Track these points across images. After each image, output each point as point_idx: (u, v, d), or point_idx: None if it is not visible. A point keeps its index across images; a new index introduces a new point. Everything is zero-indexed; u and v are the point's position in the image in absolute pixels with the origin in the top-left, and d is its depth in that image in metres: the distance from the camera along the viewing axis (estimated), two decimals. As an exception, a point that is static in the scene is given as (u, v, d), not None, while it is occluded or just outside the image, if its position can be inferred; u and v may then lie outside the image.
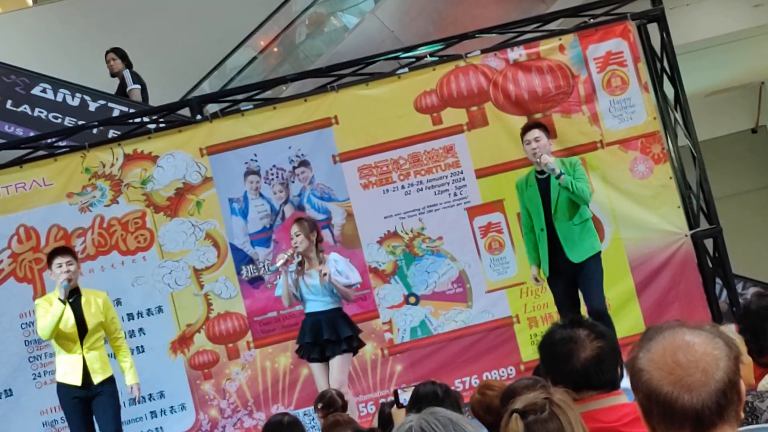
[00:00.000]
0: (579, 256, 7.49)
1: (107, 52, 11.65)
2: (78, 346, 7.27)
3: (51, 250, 7.76)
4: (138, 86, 11.42)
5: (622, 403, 3.27)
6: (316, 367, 7.68)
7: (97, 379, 7.29)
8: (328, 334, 7.57)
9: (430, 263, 8.91)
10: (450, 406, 4.38)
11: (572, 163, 7.60)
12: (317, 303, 7.64)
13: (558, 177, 7.37)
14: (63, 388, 7.34)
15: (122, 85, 11.49)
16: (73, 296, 7.27)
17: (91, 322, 7.29)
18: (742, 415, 2.08)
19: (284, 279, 7.59)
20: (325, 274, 7.50)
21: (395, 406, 4.80)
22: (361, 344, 7.96)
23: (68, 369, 7.28)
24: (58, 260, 7.29)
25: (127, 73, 11.47)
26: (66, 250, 7.53)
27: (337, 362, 7.59)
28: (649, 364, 2.07)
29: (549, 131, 7.82)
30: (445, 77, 8.95)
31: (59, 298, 7.21)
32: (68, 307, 7.20)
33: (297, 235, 7.62)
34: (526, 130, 7.69)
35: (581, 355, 3.28)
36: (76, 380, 7.26)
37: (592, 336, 3.30)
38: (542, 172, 7.51)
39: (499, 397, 4.44)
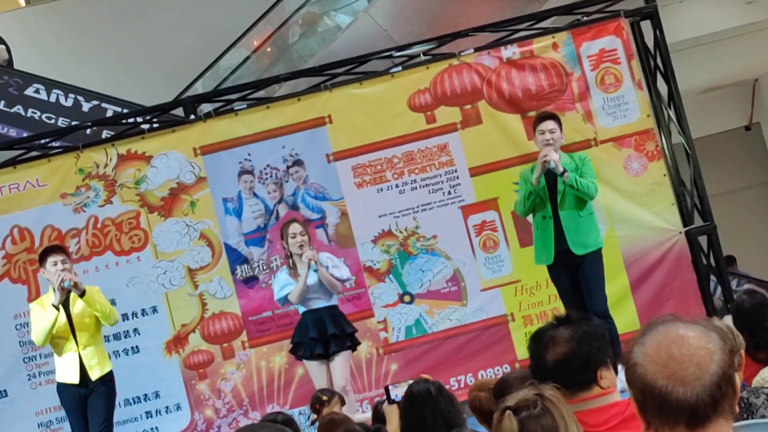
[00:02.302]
0: (582, 248, 7.51)
1: None
2: (73, 344, 7.23)
3: (44, 248, 7.72)
4: (2, 46, 11.27)
5: (612, 402, 3.24)
6: (316, 365, 7.65)
7: (95, 375, 7.24)
8: (334, 329, 7.59)
9: (424, 262, 8.91)
10: (444, 404, 4.38)
11: (581, 158, 7.65)
12: (317, 300, 7.66)
13: (561, 175, 7.39)
14: (62, 388, 7.30)
15: None
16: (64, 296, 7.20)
17: (79, 318, 7.22)
18: (737, 408, 2.08)
19: (305, 275, 7.56)
20: (310, 259, 7.52)
21: (387, 402, 4.79)
22: (358, 343, 8.02)
23: (65, 368, 7.25)
24: (52, 258, 7.24)
25: None
26: (60, 249, 7.48)
27: (340, 360, 7.63)
28: (644, 358, 2.08)
29: (561, 123, 7.80)
30: (439, 76, 8.95)
31: (53, 304, 7.15)
32: (52, 314, 7.16)
33: (303, 235, 7.67)
34: (541, 120, 7.70)
35: (547, 356, 3.27)
36: (74, 378, 7.22)
37: (565, 337, 3.28)
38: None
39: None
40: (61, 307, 7.17)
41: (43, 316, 7.17)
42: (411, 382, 4.71)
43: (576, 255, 7.49)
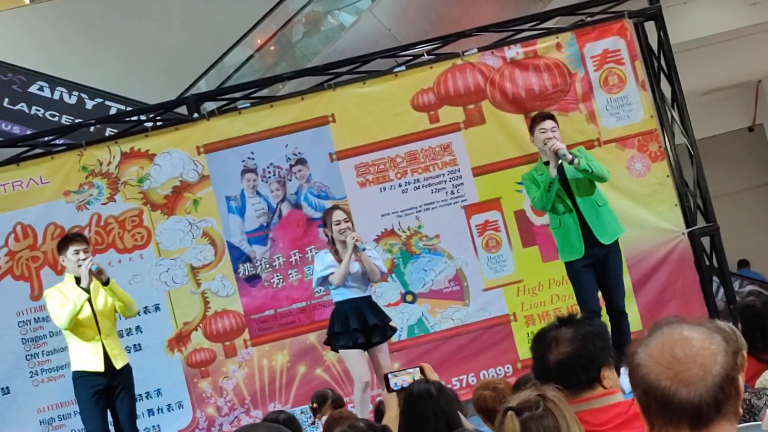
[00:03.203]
0: (608, 237, 7.40)
1: None
2: (96, 333, 7.17)
3: (65, 235, 7.70)
4: None
5: (614, 402, 3.24)
6: (356, 353, 7.47)
7: (119, 364, 7.22)
8: (375, 320, 7.50)
9: (427, 261, 8.91)
10: (444, 404, 4.38)
11: (580, 150, 7.53)
12: (356, 289, 7.53)
13: (571, 162, 7.23)
14: (82, 377, 7.19)
15: None
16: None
17: (102, 306, 7.20)
18: (741, 410, 2.08)
19: (348, 256, 7.43)
20: (357, 240, 7.43)
21: (386, 390, 4.80)
22: (396, 330, 7.90)
23: (89, 356, 7.16)
24: (74, 246, 7.19)
25: None
26: (82, 237, 7.45)
27: (385, 349, 7.57)
28: (647, 359, 2.08)
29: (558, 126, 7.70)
30: (442, 75, 8.95)
31: (81, 287, 7.10)
32: (83, 295, 7.10)
33: (346, 221, 7.54)
34: (542, 119, 7.53)
35: (550, 356, 3.27)
36: (99, 366, 7.14)
37: (568, 337, 3.29)
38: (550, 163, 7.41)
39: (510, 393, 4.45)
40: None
41: (68, 299, 7.09)
42: (410, 370, 4.72)
43: (603, 245, 7.37)
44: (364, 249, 7.51)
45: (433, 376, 4.68)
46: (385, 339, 7.55)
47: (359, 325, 7.45)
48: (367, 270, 7.51)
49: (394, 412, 4.72)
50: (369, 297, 7.65)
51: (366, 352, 7.54)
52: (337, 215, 7.58)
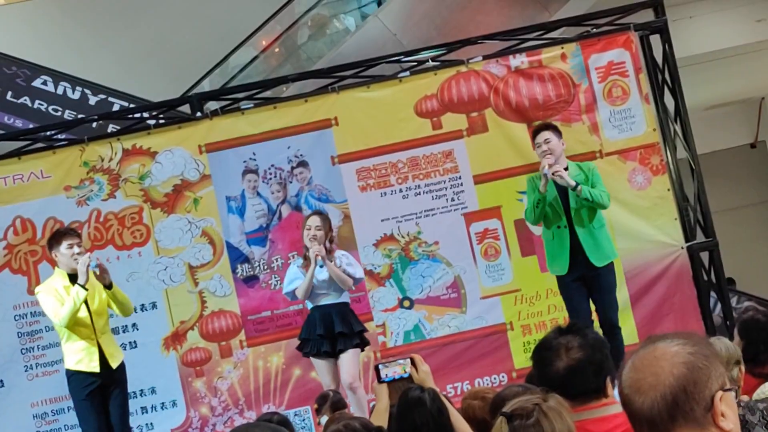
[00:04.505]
0: (601, 260, 7.46)
1: None
2: (92, 332, 7.10)
3: (58, 230, 7.64)
4: None
5: (615, 413, 3.24)
6: (322, 363, 7.52)
7: (114, 363, 7.16)
8: (341, 327, 7.45)
9: (425, 268, 8.90)
10: (437, 413, 4.36)
11: (589, 168, 7.57)
12: (326, 296, 7.52)
13: (575, 189, 7.31)
14: (76, 376, 7.10)
15: None
16: (76, 280, 7.05)
17: (98, 304, 7.13)
18: (727, 425, 2.08)
19: (311, 271, 7.43)
20: (317, 254, 7.37)
21: (377, 381, 4.78)
22: (367, 342, 7.89)
23: (83, 356, 7.07)
24: (68, 241, 7.13)
25: None
26: (75, 232, 7.41)
27: (347, 357, 7.48)
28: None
29: (560, 131, 7.72)
30: (446, 82, 8.95)
31: (79, 284, 6.98)
32: (82, 292, 7.00)
33: (318, 229, 7.48)
34: (536, 132, 7.63)
35: (559, 363, 3.27)
36: (95, 367, 7.06)
37: (577, 344, 3.28)
38: None
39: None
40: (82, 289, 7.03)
41: (65, 297, 6.98)
42: (400, 361, 4.71)
43: (595, 267, 7.44)
44: (322, 266, 7.44)
45: (424, 367, 4.67)
46: (350, 347, 7.49)
47: (324, 332, 7.43)
48: (336, 280, 7.49)
49: (384, 403, 4.72)
50: (343, 304, 7.62)
51: (336, 360, 7.55)
52: (310, 221, 7.57)
